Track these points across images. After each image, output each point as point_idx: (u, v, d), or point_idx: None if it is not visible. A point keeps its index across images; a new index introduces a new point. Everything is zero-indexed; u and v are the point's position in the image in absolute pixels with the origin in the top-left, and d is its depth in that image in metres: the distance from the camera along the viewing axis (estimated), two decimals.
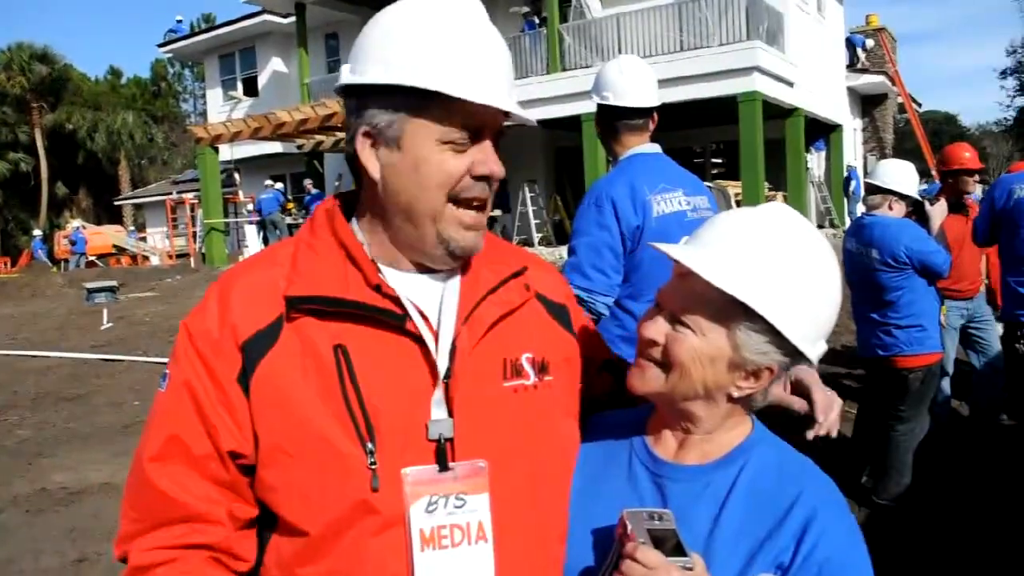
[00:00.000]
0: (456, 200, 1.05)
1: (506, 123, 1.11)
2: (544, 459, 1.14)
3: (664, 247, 1.11)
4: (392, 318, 1.05)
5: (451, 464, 1.04)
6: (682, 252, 1.08)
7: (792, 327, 1.05)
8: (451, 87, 1.00)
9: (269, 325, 1.05)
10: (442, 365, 1.06)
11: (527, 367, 1.14)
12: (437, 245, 1.07)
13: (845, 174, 18.76)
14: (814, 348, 1.09)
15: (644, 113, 2.78)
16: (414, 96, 1.01)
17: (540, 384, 1.15)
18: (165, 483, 1.04)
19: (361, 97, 1.06)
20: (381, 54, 1.03)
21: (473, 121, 1.03)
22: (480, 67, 1.02)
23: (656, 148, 2.83)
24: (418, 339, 1.06)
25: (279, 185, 20.27)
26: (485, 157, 1.05)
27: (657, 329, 1.10)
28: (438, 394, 1.05)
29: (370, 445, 1.01)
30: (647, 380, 1.12)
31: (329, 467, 1.01)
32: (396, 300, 1.06)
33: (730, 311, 1.05)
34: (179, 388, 1.06)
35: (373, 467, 1.00)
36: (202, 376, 1.04)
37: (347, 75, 1.06)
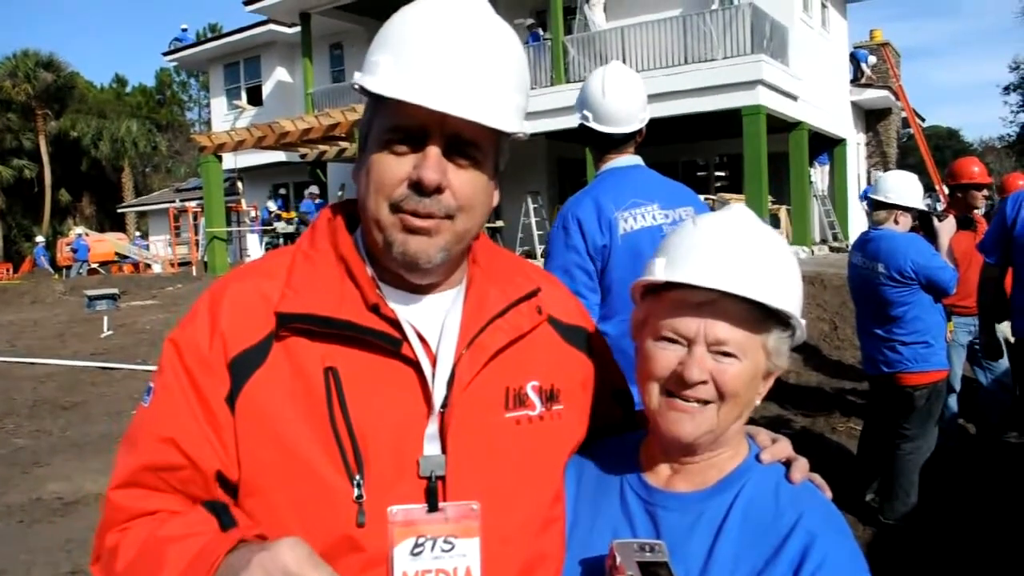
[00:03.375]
0: (397, 209, 0.97)
1: (518, 135, 1.02)
2: (543, 498, 1.08)
3: (696, 280, 1.02)
4: (387, 342, 0.98)
5: (441, 504, 0.97)
6: (716, 278, 1.01)
7: (801, 322, 1.08)
8: (374, 83, 0.95)
9: (258, 343, 0.98)
10: (438, 395, 0.99)
11: (533, 396, 1.07)
12: (387, 254, 1.00)
13: (859, 192, 18.48)
14: None
15: (627, 136, 2.69)
16: (373, 97, 0.99)
17: (547, 414, 1.08)
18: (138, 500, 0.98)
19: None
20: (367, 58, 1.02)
21: (409, 123, 0.95)
22: (424, 66, 0.94)
23: (635, 160, 2.72)
24: (415, 365, 0.99)
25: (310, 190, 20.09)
26: (420, 163, 0.95)
27: (701, 367, 1.03)
28: (432, 427, 0.99)
29: (358, 477, 0.94)
30: (701, 423, 1.05)
31: (313, 498, 0.95)
32: (393, 322, 0.99)
33: (763, 324, 1.05)
34: (164, 403, 0.99)
35: (360, 501, 0.94)
36: (188, 393, 0.98)
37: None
